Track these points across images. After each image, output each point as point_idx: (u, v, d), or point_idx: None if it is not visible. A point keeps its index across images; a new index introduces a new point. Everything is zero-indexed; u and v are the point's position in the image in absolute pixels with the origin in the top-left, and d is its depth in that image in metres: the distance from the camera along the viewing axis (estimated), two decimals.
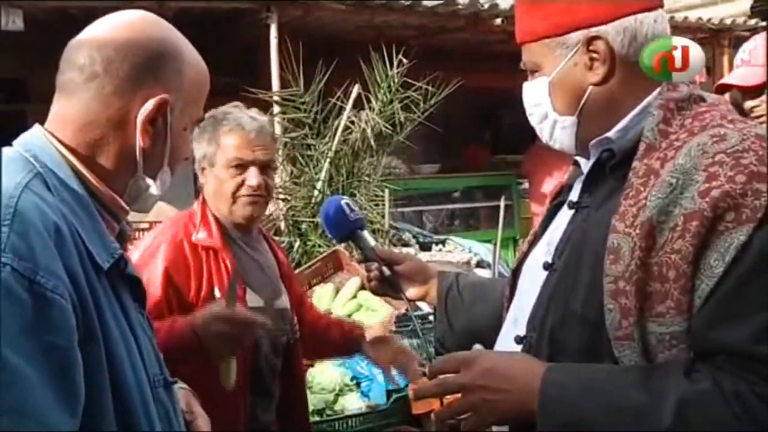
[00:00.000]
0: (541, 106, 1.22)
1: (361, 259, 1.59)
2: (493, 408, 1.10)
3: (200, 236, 1.93)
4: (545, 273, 1.22)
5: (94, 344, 0.97)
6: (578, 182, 1.26)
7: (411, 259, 1.61)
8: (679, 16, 6.48)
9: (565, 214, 1.26)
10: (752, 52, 2.58)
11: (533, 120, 1.26)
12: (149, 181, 1.13)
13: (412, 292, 1.55)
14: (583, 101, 1.18)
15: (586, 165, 1.25)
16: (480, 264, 4.56)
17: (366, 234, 1.60)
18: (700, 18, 6.70)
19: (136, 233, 3.58)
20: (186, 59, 1.13)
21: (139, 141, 1.08)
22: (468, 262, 4.52)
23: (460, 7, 5.58)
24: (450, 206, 6.97)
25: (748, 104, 2.58)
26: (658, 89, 1.15)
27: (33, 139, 1.07)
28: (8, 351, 0.86)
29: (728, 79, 2.72)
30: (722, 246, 0.99)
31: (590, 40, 1.15)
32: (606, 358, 1.08)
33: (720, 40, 6.94)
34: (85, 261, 0.99)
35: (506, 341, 1.27)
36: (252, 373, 1.93)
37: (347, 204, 1.60)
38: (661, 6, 1.20)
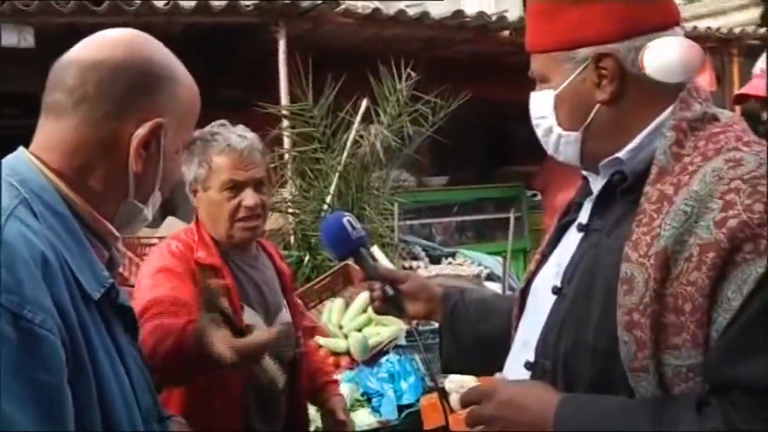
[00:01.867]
0: (546, 120, 1.19)
1: (363, 278, 1.53)
2: None
3: (200, 254, 1.90)
4: (554, 297, 1.20)
5: (84, 379, 0.93)
6: (588, 202, 1.23)
7: (414, 277, 1.57)
8: (688, 26, 6.46)
9: (573, 236, 1.23)
10: None
11: (538, 132, 1.23)
12: (141, 205, 1.09)
13: (416, 310, 1.52)
14: (589, 119, 1.15)
15: (594, 181, 1.22)
16: (490, 277, 4.54)
17: (367, 252, 1.53)
18: (709, 27, 6.68)
19: (148, 248, 3.62)
20: (180, 81, 1.09)
21: (132, 165, 1.04)
22: (478, 275, 4.50)
23: (468, 19, 5.59)
24: (459, 218, 6.96)
25: (766, 115, 2.57)
26: (671, 108, 1.12)
27: (18, 162, 1.02)
28: None
29: (746, 89, 2.70)
30: (740, 278, 0.96)
31: (600, 57, 1.12)
32: (621, 388, 1.06)
33: (729, 49, 6.91)
34: (74, 291, 0.95)
35: (515, 366, 1.25)
36: (254, 392, 1.91)
37: (349, 221, 1.52)
38: (677, 24, 1.16)
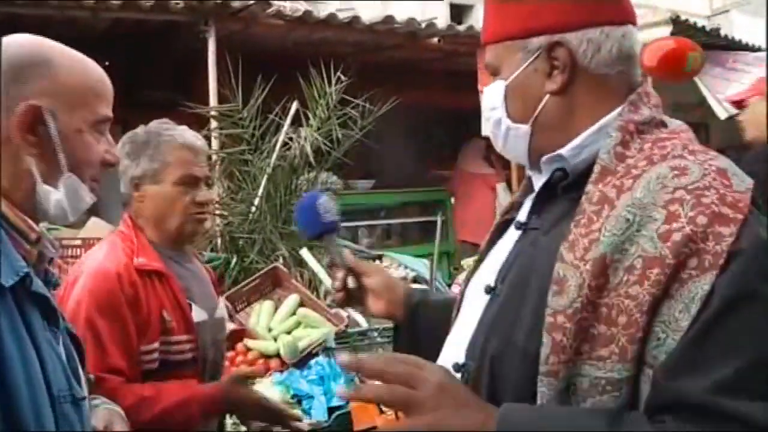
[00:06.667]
0: (496, 111, 1.17)
1: (328, 263, 1.51)
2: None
3: (141, 260, 1.88)
4: (487, 297, 1.16)
5: None
6: (528, 200, 1.21)
7: (381, 272, 1.49)
8: None
9: (511, 234, 1.20)
10: None
11: (489, 126, 1.20)
12: (47, 187, 1.15)
13: (377, 307, 1.44)
14: (538, 110, 1.13)
15: (537, 180, 1.19)
16: (416, 279, 4.60)
17: (336, 238, 1.47)
18: None
19: (69, 249, 3.51)
20: (56, 63, 1.17)
21: (23, 151, 1.13)
22: (405, 278, 4.55)
23: (397, 25, 5.66)
24: (385, 221, 7.03)
25: None
26: (618, 109, 1.10)
27: None
28: None
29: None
30: (687, 297, 0.93)
31: (552, 46, 1.10)
32: None
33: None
34: None
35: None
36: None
37: (323, 203, 1.46)
38: (633, 23, 1.15)
